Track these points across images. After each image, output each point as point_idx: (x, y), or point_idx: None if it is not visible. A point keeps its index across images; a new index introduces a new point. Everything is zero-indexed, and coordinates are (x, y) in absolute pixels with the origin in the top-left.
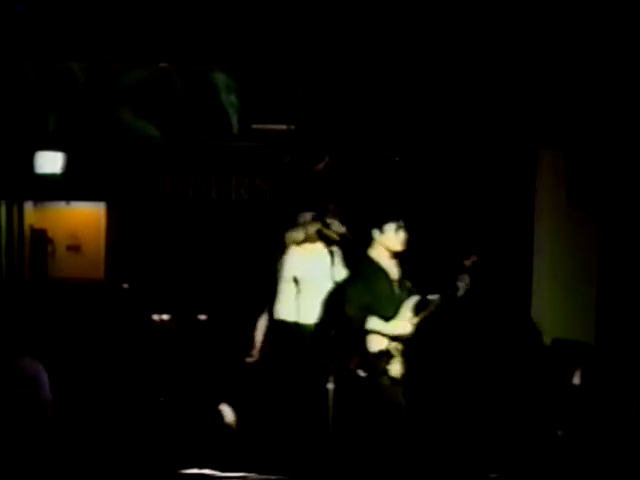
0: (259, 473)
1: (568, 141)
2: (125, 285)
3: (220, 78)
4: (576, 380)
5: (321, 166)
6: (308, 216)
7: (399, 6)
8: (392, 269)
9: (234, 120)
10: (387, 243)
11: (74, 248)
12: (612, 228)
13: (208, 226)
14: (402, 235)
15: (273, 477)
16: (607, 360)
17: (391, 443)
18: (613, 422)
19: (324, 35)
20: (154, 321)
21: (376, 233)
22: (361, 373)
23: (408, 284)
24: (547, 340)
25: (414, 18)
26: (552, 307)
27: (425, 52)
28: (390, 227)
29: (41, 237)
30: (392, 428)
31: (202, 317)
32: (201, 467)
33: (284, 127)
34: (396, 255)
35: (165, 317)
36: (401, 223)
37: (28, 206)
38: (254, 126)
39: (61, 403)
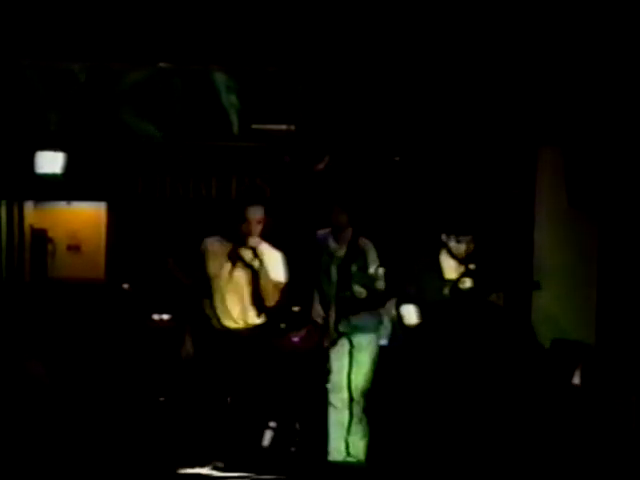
0: (259, 473)
1: (568, 140)
2: (125, 285)
3: (220, 78)
4: (576, 380)
5: (321, 166)
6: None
7: (398, 6)
8: (450, 268)
9: (234, 120)
10: (449, 246)
11: (74, 248)
12: (612, 228)
13: (208, 226)
14: (462, 247)
15: (273, 477)
16: (607, 360)
17: (389, 442)
18: (613, 422)
19: (324, 35)
20: (154, 321)
21: (443, 236)
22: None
23: (468, 284)
24: (547, 340)
25: (414, 18)
26: (552, 307)
27: (425, 52)
28: (453, 237)
29: (41, 237)
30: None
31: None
32: (201, 467)
33: (284, 127)
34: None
35: (165, 317)
36: (464, 238)
37: (28, 206)
38: (254, 126)
39: (61, 403)
